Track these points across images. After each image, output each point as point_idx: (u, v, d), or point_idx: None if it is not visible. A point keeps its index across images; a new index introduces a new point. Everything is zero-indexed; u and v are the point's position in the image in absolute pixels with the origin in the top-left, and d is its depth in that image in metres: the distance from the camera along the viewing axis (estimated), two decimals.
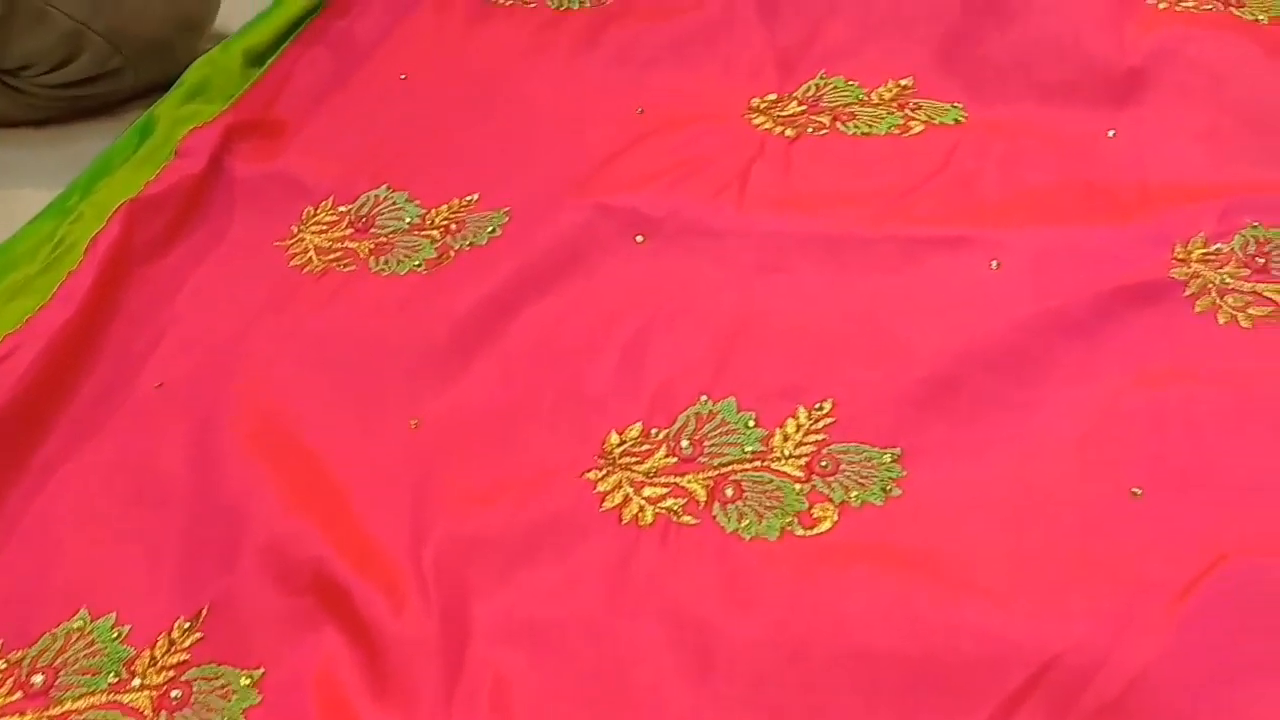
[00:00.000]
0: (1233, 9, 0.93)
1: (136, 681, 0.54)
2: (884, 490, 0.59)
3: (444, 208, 0.82)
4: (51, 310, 0.72)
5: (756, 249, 0.75)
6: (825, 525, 0.58)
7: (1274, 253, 0.70)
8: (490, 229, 0.79)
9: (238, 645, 0.55)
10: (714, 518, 0.59)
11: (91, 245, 0.76)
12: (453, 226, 0.80)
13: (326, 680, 0.53)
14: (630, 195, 0.80)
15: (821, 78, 0.92)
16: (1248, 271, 0.69)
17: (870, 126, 0.85)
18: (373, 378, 0.69)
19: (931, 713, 0.49)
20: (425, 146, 0.89)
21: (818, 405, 0.64)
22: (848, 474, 0.60)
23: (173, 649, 0.56)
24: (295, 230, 0.82)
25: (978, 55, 0.91)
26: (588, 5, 1.05)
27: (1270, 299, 0.67)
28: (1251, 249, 0.70)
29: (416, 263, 0.77)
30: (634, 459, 0.62)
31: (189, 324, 0.75)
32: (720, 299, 0.72)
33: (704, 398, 0.65)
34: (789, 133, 0.86)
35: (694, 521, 0.59)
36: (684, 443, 0.63)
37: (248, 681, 0.54)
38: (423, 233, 0.80)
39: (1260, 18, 0.92)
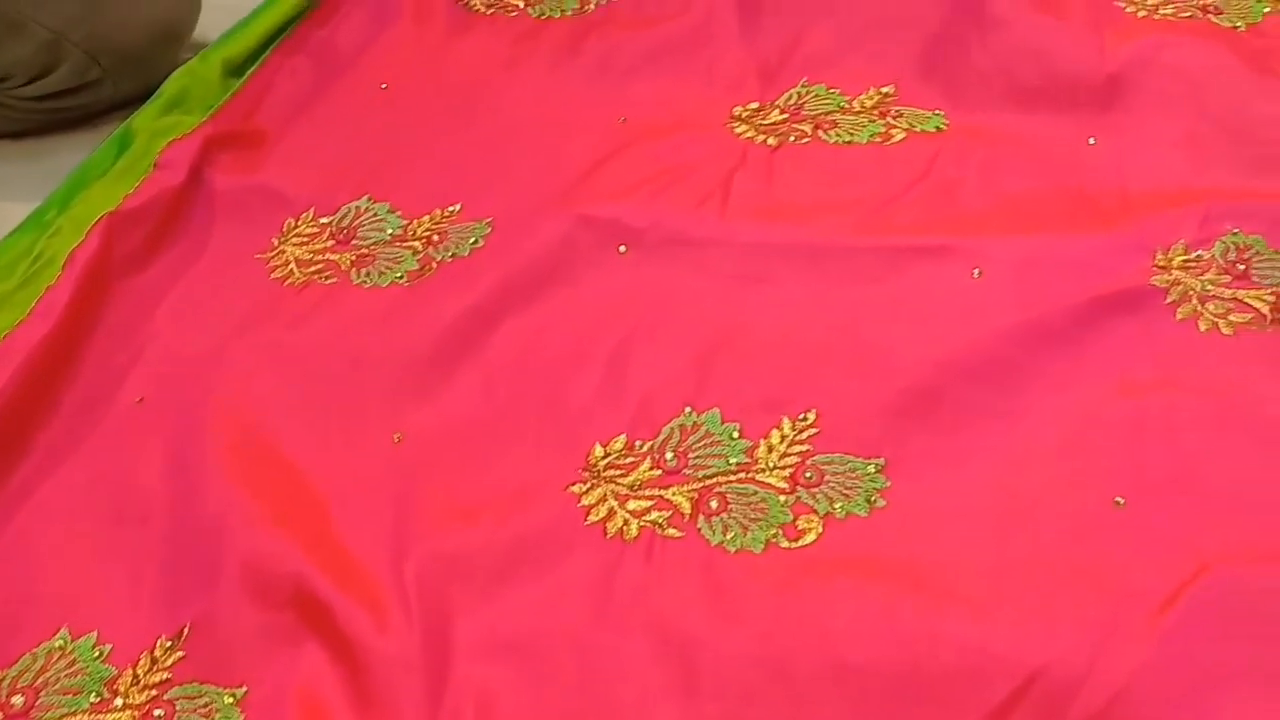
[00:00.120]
0: (1211, 16, 0.94)
1: (119, 701, 0.54)
2: (868, 501, 0.59)
3: (426, 219, 0.82)
4: (30, 326, 0.71)
5: (739, 259, 0.75)
6: (810, 537, 0.58)
7: (1254, 259, 0.70)
8: (472, 240, 0.79)
9: (220, 663, 0.55)
10: (699, 530, 0.59)
11: (70, 260, 0.75)
12: (435, 238, 0.80)
13: (309, 698, 0.52)
14: (613, 205, 0.79)
15: (803, 85, 0.92)
16: (1228, 278, 0.69)
17: (852, 135, 0.85)
18: (355, 392, 0.68)
19: None
20: (407, 157, 0.89)
21: (802, 416, 0.64)
22: (832, 485, 0.60)
23: (155, 667, 0.55)
24: (276, 242, 0.81)
25: (959, 62, 0.91)
26: (569, 14, 1.05)
27: (1251, 305, 0.67)
28: (1232, 255, 0.70)
29: (398, 274, 0.77)
30: (618, 471, 0.62)
31: (169, 338, 0.74)
32: (703, 309, 0.72)
33: (688, 409, 0.65)
34: (771, 141, 0.86)
35: (679, 534, 0.59)
36: (668, 455, 0.63)
37: (230, 700, 0.53)
38: (405, 244, 0.80)
39: (1238, 25, 0.93)
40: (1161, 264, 0.70)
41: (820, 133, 0.86)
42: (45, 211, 0.83)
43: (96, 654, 0.56)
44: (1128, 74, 0.86)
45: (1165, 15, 0.94)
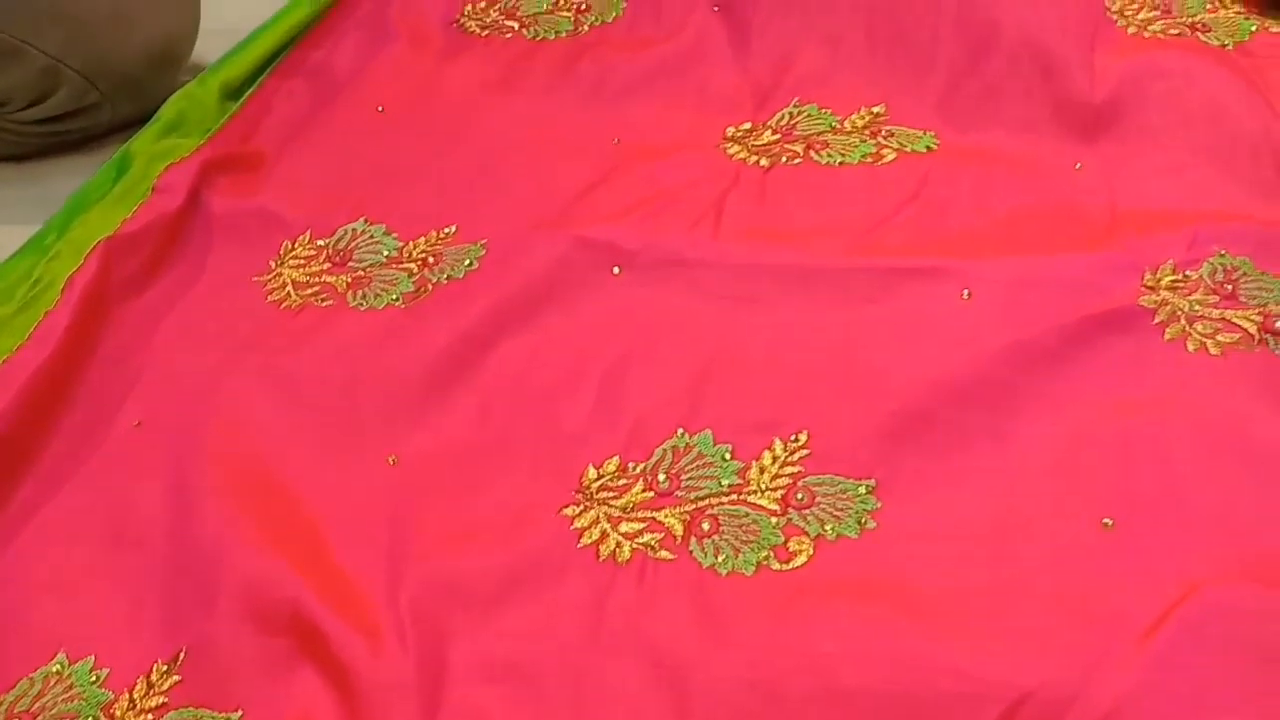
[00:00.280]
0: (1199, 34, 0.95)
1: None
2: (859, 523, 0.60)
3: (422, 240, 0.82)
4: (28, 350, 0.71)
5: (732, 280, 0.75)
6: (801, 559, 0.58)
7: (1241, 280, 0.71)
8: (467, 262, 0.80)
9: (216, 688, 0.55)
10: (691, 553, 0.59)
11: (68, 284, 0.76)
12: (430, 259, 0.81)
13: None
14: (607, 227, 0.80)
15: (795, 106, 0.92)
16: (1216, 298, 0.70)
17: (844, 155, 0.86)
18: (351, 415, 0.69)
19: None
20: (403, 179, 0.89)
21: (793, 437, 0.65)
22: (823, 506, 0.61)
23: (151, 692, 0.56)
24: (273, 265, 0.82)
25: (949, 81, 0.92)
26: (564, 36, 1.05)
27: (1238, 325, 0.68)
28: (1220, 276, 0.71)
29: (394, 297, 0.78)
30: (611, 494, 0.63)
31: (167, 362, 0.74)
32: (696, 331, 0.72)
33: (681, 430, 0.66)
34: (763, 162, 0.86)
35: (671, 557, 0.59)
36: (661, 476, 0.63)
37: None
38: (400, 266, 0.81)
39: (1227, 43, 0.93)
40: (1150, 284, 0.71)
41: (812, 153, 0.87)
42: (44, 236, 0.83)
43: (93, 678, 0.56)
44: (1118, 95, 0.87)
45: (1155, 32, 0.96)
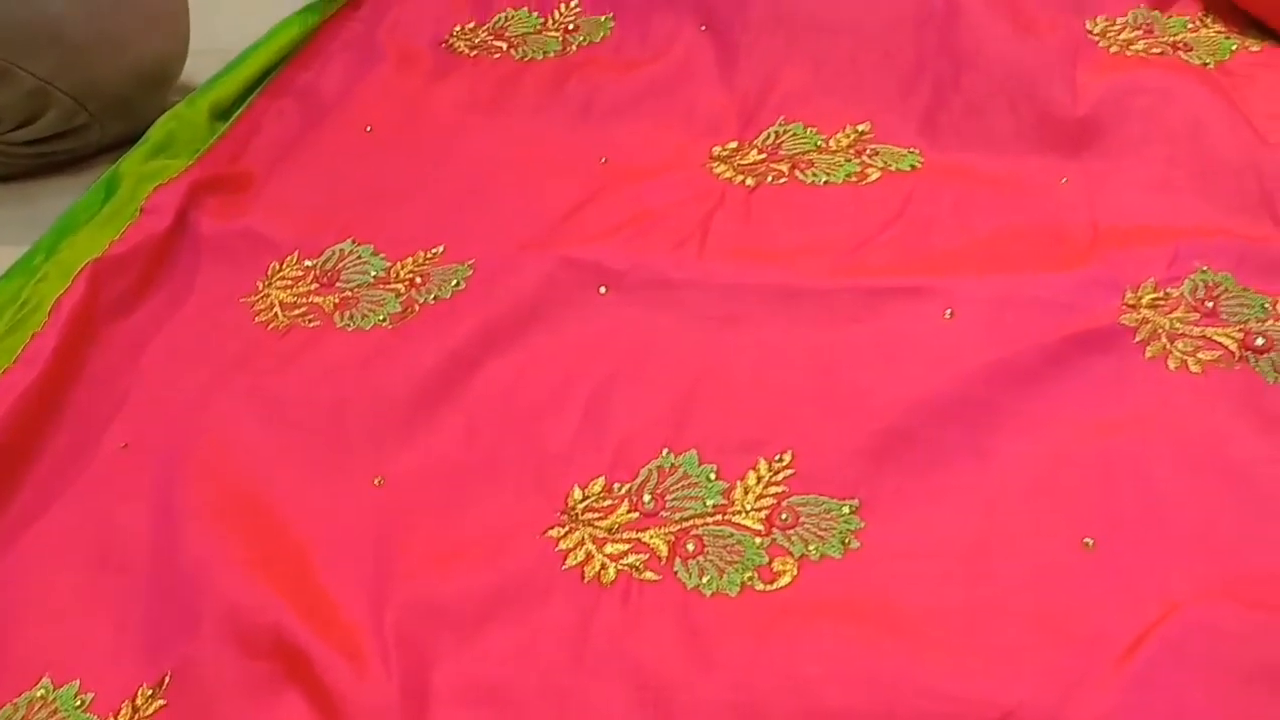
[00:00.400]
0: (1181, 53, 0.95)
1: None
2: (843, 543, 0.60)
3: (409, 260, 0.83)
4: (16, 372, 0.72)
5: (717, 300, 0.75)
6: (785, 580, 0.58)
7: (1222, 296, 0.71)
8: (455, 282, 0.80)
9: (201, 711, 0.55)
10: (675, 574, 0.59)
11: (56, 306, 0.76)
12: (418, 280, 0.81)
13: None
14: (594, 247, 0.80)
15: (781, 124, 0.93)
16: (1197, 316, 0.70)
17: (828, 174, 0.86)
18: (337, 436, 0.69)
19: None
20: (391, 199, 0.89)
21: (778, 457, 0.65)
22: (807, 526, 0.61)
23: (136, 716, 0.56)
24: (261, 286, 0.82)
25: (933, 100, 0.93)
26: (551, 56, 1.06)
27: (1219, 343, 0.68)
28: (1200, 293, 0.71)
29: (381, 317, 0.78)
30: (596, 514, 0.63)
31: (153, 383, 0.75)
32: (682, 351, 0.73)
33: (666, 450, 0.66)
34: (749, 181, 0.87)
35: (655, 578, 0.59)
36: (646, 497, 0.64)
37: None
38: (388, 286, 0.81)
39: (1208, 62, 0.94)
40: (1131, 303, 0.71)
41: (797, 172, 0.87)
42: (32, 257, 0.83)
43: (78, 703, 0.57)
44: (1100, 113, 0.87)
45: (1137, 51, 0.96)
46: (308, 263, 0.84)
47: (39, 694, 0.57)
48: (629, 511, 0.63)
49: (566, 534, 0.62)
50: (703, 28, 1.04)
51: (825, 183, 0.86)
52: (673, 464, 0.65)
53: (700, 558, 0.60)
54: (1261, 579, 0.56)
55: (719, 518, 0.62)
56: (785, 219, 0.82)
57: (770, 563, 0.59)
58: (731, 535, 0.61)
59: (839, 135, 0.91)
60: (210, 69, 1.04)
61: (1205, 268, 0.73)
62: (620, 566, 0.60)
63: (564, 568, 0.60)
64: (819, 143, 0.91)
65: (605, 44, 1.07)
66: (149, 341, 0.78)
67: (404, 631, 0.56)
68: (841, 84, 0.96)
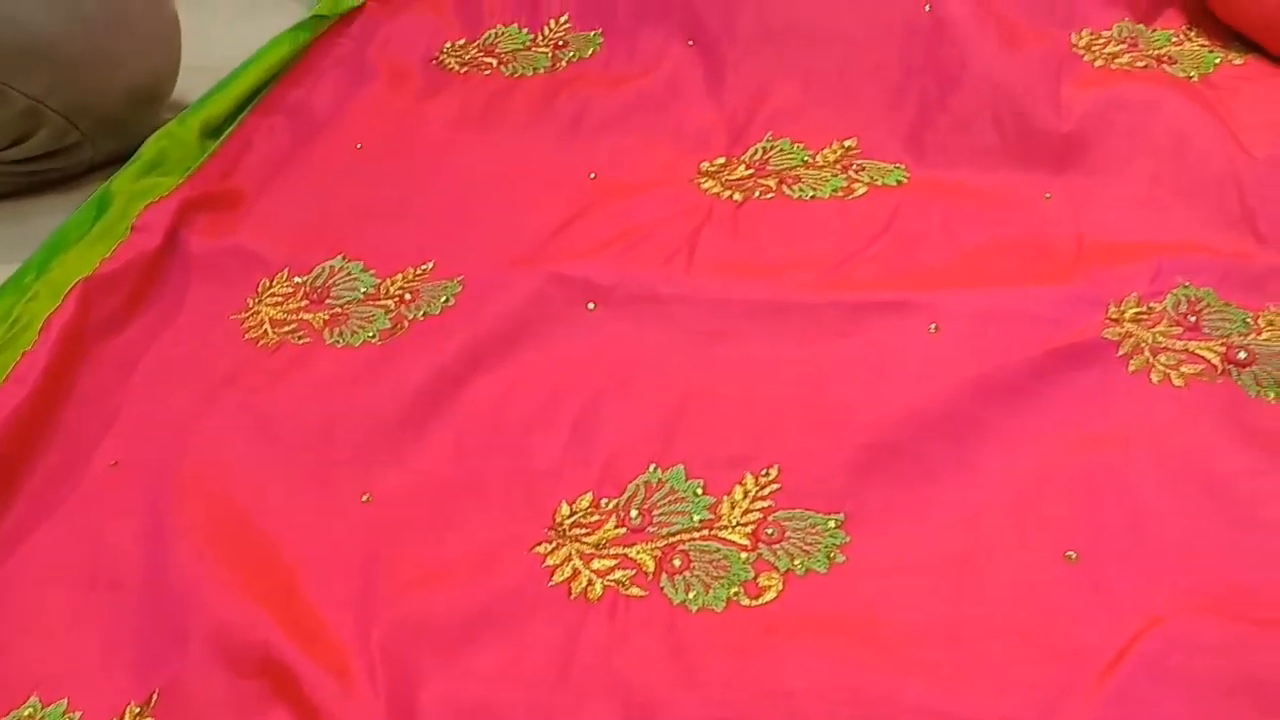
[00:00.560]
0: (1165, 66, 0.96)
1: None
2: (828, 557, 0.60)
3: (399, 277, 0.83)
4: (6, 391, 0.72)
5: (705, 316, 0.76)
6: (770, 595, 0.59)
7: (1204, 311, 0.72)
8: (444, 298, 0.80)
9: None
10: (661, 589, 0.60)
11: (46, 325, 0.76)
12: (407, 296, 0.81)
13: None
14: (582, 263, 0.81)
15: (768, 140, 0.94)
16: (1180, 330, 0.71)
17: (815, 189, 0.87)
18: (326, 453, 0.69)
19: None
20: (381, 215, 0.90)
21: (764, 471, 0.65)
22: (793, 541, 0.61)
23: None
24: (251, 303, 0.82)
25: (920, 115, 0.93)
26: (541, 72, 1.07)
27: (1202, 356, 0.69)
28: (1183, 308, 0.72)
29: (371, 334, 0.78)
30: (584, 530, 0.63)
31: (144, 401, 0.75)
32: (669, 366, 0.73)
33: (653, 466, 0.67)
34: (737, 197, 0.88)
35: (642, 594, 0.60)
36: (633, 513, 0.64)
37: None
38: (377, 303, 0.81)
39: (1192, 75, 0.95)
40: (1114, 317, 0.72)
41: (784, 188, 0.88)
42: (23, 275, 0.84)
43: None
44: (1084, 128, 0.88)
45: (1122, 65, 0.97)
46: (298, 279, 0.84)
47: (26, 713, 0.57)
48: (616, 527, 0.63)
49: (554, 550, 0.62)
50: (690, 43, 1.05)
51: (812, 198, 0.86)
52: (660, 479, 0.66)
53: (687, 573, 0.60)
54: (1243, 592, 0.56)
55: (706, 532, 0.62)
56: (772, 234, 0.83)
57: (756, 578, 0.60)
58: (718, 550, 0.61)
59: (826, 151, 0.92)
60: (202, 85, 1.05)
61: (1188, 283, 0.73)
62: (607, 582, 0.60)
63: (551, 584, 0.60)
64: (806, 158, 0.91)
65: (594, 60, 1.07)
66: (139, 359, 0.78)
67: (391, 649, 0.57)
68: (829, 100, 0.97)
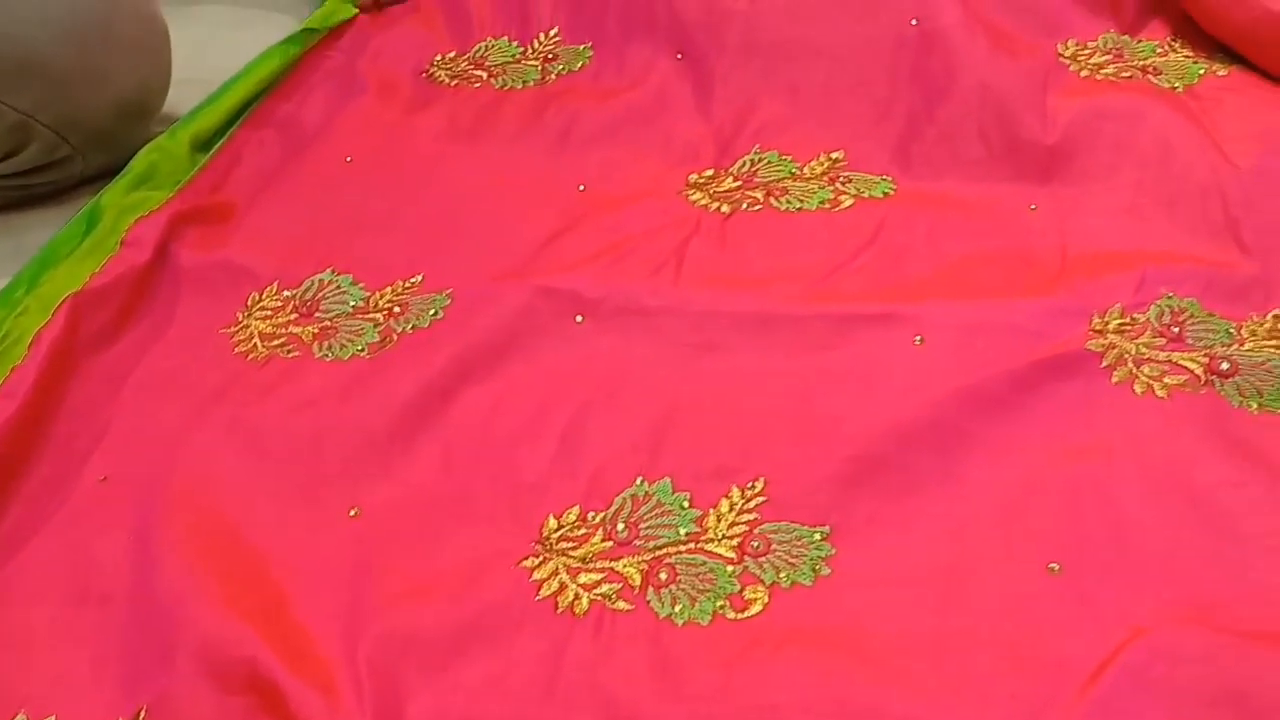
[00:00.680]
0: (1150, 77, 0.97)
1: None
2: (814, 570, 0.61)
3: (388, 290, 0.83)
4: None
5: (692, 328, 0.76)
6: (756, 608, 0.59)
7: (1188, 322, 0.72)
8: (433, 311, 0.81)
9: None
10: (648, 603, 0.60)
11: (36, 339, 0.76)
12: (396, 309, 0.82)
13: None
14: (570, 276, 0.81)
15: (756, 152, 0.94)
16: (1163, 341, 0.71)
17: (802, 201, 0.88)
18: (315, 467, 0.70)
19: None
20: (370, 229, 0.90)
21: (750, 484, 0.66)
22: (779, 554, 0.62)
23: None
24: (241, 317, 0.83)
25: (906, 127, 0.94)
26: (531, 85, 1.07)
27: (1185, 367, 0.69)
28: (1167, 319, 0.72)
29: (359, 347, 0.79)
30: (570, 544, 0.63)
31: (133, 416, 0.75)
32: (657, 379, 0.73)
33: (640, 479, 0.67)
34: (724, 209, 0.88)
35: (628, 607, 0.60)
36: (620, 526, 0.64)
37: None
38: (366, 316, 0.81)
39: (1176, 86, 0.96)
40: (1098, 328, 0.72)
41: (772, 199, 0.88)
42: (13, 290, 0.84)
43: None
44: (1070, 138, 0.89)
45: (1107, 75, 0.98)
46: (287, 293, 0.84)
47: None
48: (603, 540, 0.64)
49: (541, 564, 0.62)
50: (679, 57, 1.05)
51: (799, 210, 0.87)
52: (646, 492, 0.66)
53: (673, 586, 0.60)
54: (1226, 603, 0.56)
55: (692, 545, 0.63)
56: (760, 246, 0.83)
57: (742, 591, 0.60)
58: (704, 564, 0.61)
59: (813, 163, 0.92)
60: (192, 98, 1.05)
61: (1171, 294, 0.74)
62: (594, 596, 0.60)
63: (537, 598, 0.60)
64: (793, 170, 0.92)
65: (584, 73, 1.08)
66: (129, 374, 0.78)
67: (378, 663, 0.57)
68: (816, 112, 0.97)
